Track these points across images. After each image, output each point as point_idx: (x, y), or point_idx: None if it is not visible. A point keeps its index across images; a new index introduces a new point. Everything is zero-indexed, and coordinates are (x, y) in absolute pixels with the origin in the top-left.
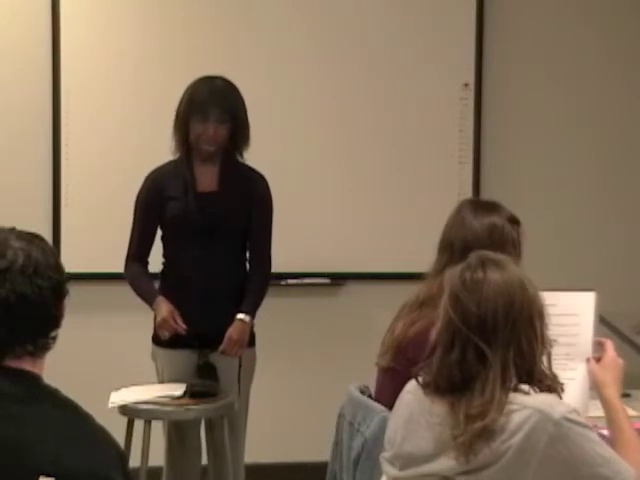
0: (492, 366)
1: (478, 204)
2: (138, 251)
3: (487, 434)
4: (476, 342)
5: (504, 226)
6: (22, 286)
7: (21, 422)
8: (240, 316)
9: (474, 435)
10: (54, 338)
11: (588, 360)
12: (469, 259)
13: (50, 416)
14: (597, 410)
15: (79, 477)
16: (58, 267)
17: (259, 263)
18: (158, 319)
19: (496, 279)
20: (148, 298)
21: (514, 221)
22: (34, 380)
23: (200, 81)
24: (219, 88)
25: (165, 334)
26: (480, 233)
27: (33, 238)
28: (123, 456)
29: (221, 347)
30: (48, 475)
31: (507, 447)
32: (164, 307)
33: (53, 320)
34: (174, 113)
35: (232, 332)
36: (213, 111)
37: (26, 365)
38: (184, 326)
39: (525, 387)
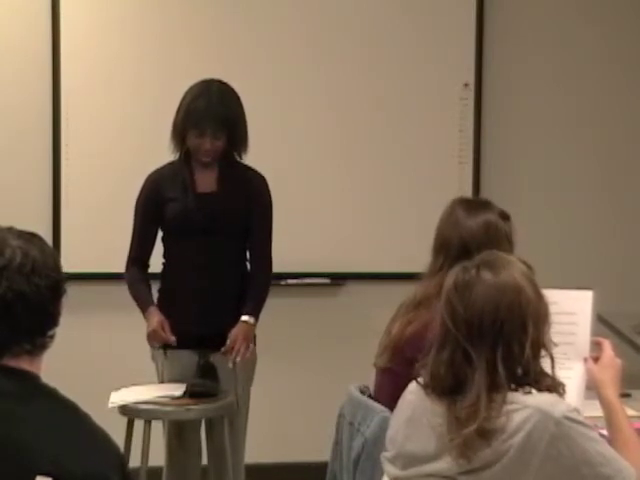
0: (478, 369)
1: (470, 203)
2: (138, 254)
3: (485, 434)
4: (463, 345)
5: (497, 222)
6: (20, 284)
7: (20, 422)
8: (244, 318)
9: (469, 437)
10: (52, 337)
11: (586, 360)
12: (472, 260)
13: (49, 416)
14: (596, 410)
15: (78, 477)
16: (56, 266)
17: (260, 263)
18: (148, 330)
19: (487, 281)
20: (142, 306)
21: (505, 217)
22: (32, 379)
23: (196, 91)
24: (215, 101)
25: (155, 345)
26: (476, 231)
27: (31, 237)
28: (121, 456)
29: (224, 348)
30: (47, 475)
31: (508, 446)
32: (155, 318)
33: (51, 319)
34: (174, 114)
35: (236, 333)
36: (209, 127)
37: (24, 364)
38: (173, 337)
39: (526, 387)
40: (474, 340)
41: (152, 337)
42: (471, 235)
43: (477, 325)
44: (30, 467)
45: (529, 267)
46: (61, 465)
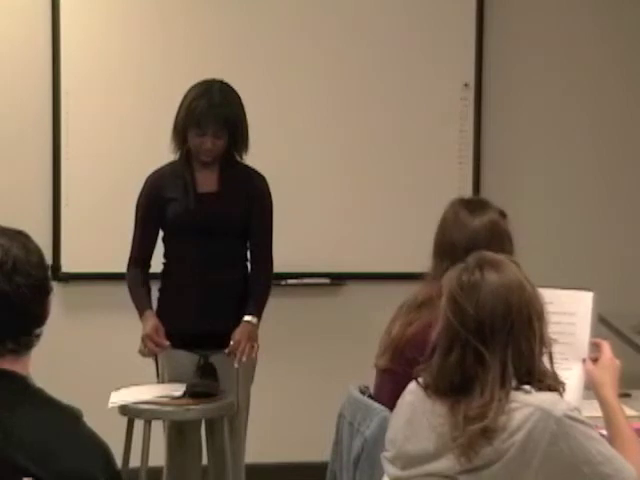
0: (491, 368)
1: (471, 203)
2: (139, 254)
3: (488, 433)
4: (474, 344)
5: (500, 221)
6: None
7: (4, 424)
8: (247, 318)
9: (473, 436)
10: (38, 336)
11: (584, 361)
12: (467, 261)
13: (33, 417)
14: (596, 410)
15: (63, 477)
16: (40, 265)
17: (261, 263)
18: (142, 334)
19: (493, 281)
20: (139, 309)
21: (503, 215)
22: (14, 378)
23: (197, 90)
24: (216, 100)
25: (144, 352)
26: (482, 232)
27: (16, 235)
28: (108, 455)
29: (228, 349)
30: (32, 476)
31: (509, 445)
32: (150, 322)
33: (35, 318)
34: (174, 114)
35: (240, 334)
36: (211, 126)
37: (6, 364)
38: (167, 342)
39: (527, 386)
40: (487, 340)
41: (145, 342)
42: (477, 236)
43: (489, 325)
44: (15, 468)
45: (517, 265)
46: (46, 466)
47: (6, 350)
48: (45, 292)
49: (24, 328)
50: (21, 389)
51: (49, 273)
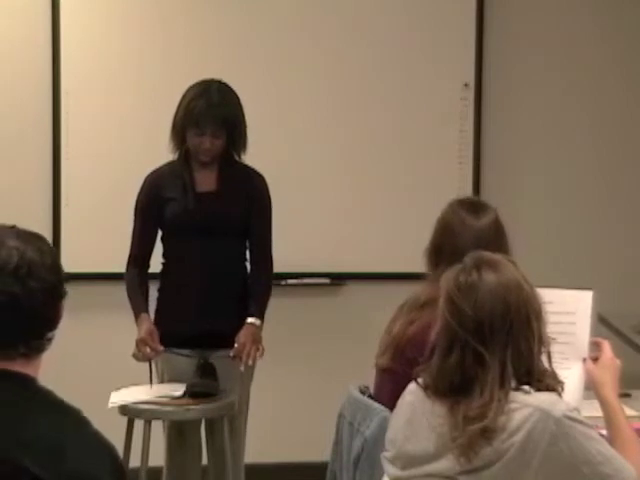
0: (490, 368)
1: (472, 205)
2: (139, 254)
3: (487, 434)
4: (474, 345)
5: (499, 219)
6: (13, 287)
7: (11, 425)
8: (250, 320)
9: (473, 436)
10: (50, 339)
11: (584, 360)
12: (464, 261)
13: (42, 419)
14: (596, 410)
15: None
16: (54, 268)
17: (261, 263)
18: (137, 338)
19: (491, 281)
20: (135, 311)
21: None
22: (24, 382)
23: (196, 90)
24: (215, 100)
25: (138, 356)
26: (487, 233)
27: (31, 237)
28: (116, 459)
29: (233, 352)
30: (37, 478)
31: (509, 445)
32: (144, 326)
33: (47, 322)
34: (173, 115)
35: (245, 337)
36: (209, 126)
37: (17, 367)
38: (161, 347)
39: (526, 387)
40: (486, 340)
41: (139, 346)
42: (483, 235)
43: (488, 325)
44: (21, 470)
45: (515, 264)
46: (51, 467)
47: (18, 354)
48: (58, 296)
49: (36, 332)
50: (31, 392)
51: (62, 276)
